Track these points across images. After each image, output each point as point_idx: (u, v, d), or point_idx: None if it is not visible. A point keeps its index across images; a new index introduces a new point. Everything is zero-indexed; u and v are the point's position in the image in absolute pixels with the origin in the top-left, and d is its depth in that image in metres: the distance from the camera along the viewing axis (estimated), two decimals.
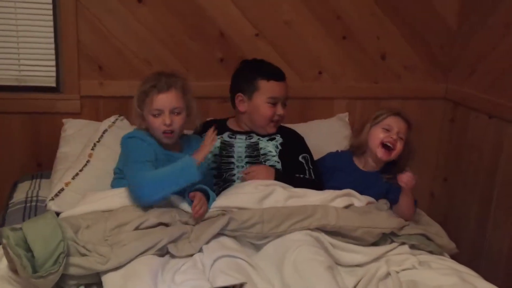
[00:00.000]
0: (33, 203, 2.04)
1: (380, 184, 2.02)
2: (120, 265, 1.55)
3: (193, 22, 2.41)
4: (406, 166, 2.00)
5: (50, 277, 1.45)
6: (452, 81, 2.76)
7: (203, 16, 2.41)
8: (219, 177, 2.03)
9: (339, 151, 2.19)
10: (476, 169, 2.58)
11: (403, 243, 1.85)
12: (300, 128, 2.55)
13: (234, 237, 1.72)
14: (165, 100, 1.83)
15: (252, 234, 1.72)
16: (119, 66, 2.37)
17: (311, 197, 1.89)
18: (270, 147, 2.08)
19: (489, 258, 2.47)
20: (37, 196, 2.09)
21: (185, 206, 1.78)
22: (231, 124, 2.18)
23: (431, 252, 1.88)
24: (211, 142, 1.80)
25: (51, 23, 2.28)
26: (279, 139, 2.11)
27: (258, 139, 2.10)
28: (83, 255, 1.55)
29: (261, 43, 2.51)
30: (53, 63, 2.32)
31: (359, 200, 1.95)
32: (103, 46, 2.34)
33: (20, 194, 2.13)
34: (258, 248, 1.76)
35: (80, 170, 2.06)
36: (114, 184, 1.93)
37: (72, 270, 1.52)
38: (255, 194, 1.81)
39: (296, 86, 2.61)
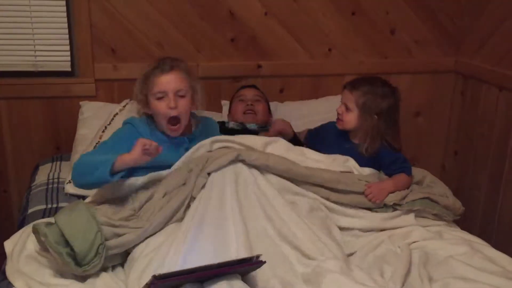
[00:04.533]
0: (55, 185, 2.11)
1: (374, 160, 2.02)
2: (154, 231, 1.62)
3: (203, 2, 2.43)
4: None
5: (93, 267, 1.50)
6: (462, 54, 2.75)
7: None
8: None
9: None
10: (487, 141, 2.59)
11: (407, 211, 1.87)
12: (311, 104, 2.59)
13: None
14: (168, 80, 1.77)
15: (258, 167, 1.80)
16: (131, 48, 2.40)
17: (309, 155, 1.95)
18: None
19: (500, 230, 2.51)
20: (58, 178, 2.16)
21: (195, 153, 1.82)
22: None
23: (436, 215, 1.90)
24: (140, 148, 1.60)
25: (64, 8, 2.31)
26: None
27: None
28: (119, 235, 1.57)
29: (270, 22, 2.52)
30: (68, 47, 2.36)
31: (359, 169, 1.96)
32: (115, 29, 2.37)
33: (41, 177, 2.20)
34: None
35: None
36: None
37: (112, 251, 1.56)
38: (260, 139, 1.92)
39: (307, 64, 2.63)
